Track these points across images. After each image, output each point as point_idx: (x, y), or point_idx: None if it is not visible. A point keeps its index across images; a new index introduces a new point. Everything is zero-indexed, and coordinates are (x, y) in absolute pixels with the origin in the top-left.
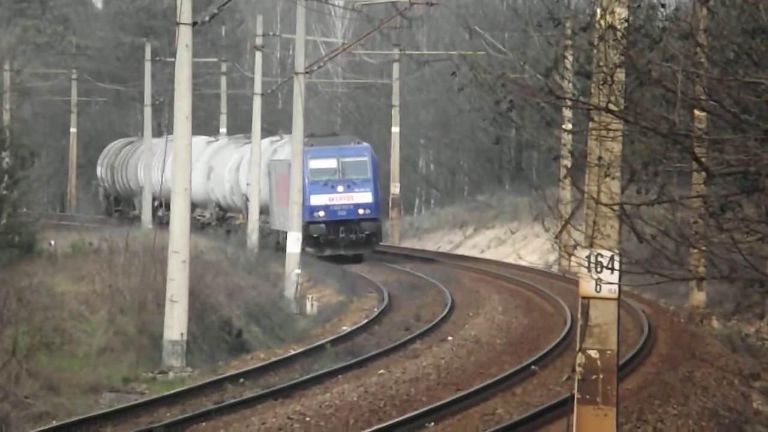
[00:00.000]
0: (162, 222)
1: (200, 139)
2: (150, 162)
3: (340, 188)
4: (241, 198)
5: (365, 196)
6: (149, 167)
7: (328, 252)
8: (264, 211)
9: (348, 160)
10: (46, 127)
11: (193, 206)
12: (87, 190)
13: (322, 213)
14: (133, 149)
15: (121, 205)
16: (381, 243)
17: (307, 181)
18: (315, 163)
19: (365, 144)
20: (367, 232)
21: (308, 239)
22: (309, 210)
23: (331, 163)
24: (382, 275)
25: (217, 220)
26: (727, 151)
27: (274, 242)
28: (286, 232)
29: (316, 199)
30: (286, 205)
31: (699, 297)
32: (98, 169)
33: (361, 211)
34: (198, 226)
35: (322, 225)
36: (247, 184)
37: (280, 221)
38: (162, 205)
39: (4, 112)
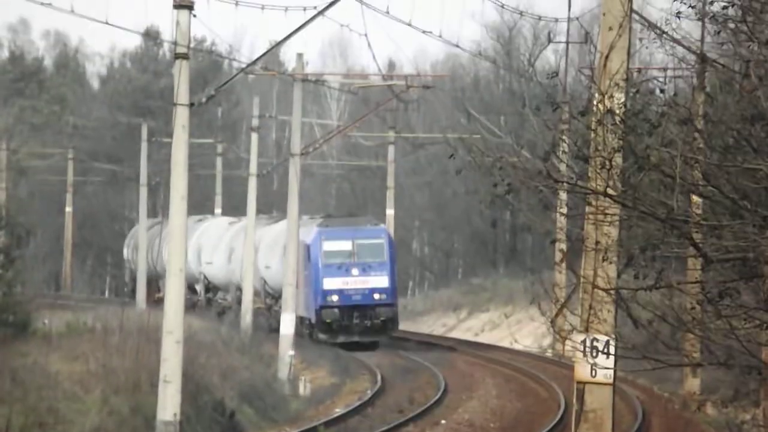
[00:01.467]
0: (187, 305)
1: (222, 220)
2: (143, 243)
3: (354, 271)
4: (260, 281)
5: (381, 281)
6: (142, 248)
7: (341, 339)
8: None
9: (363, 242)
10: (42, 206)
11: (216, 289)
12: (82, 269)
13: (335, 297)
14: (160, 230)
15: (148, 287)
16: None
17: (320, 264)
18: (329, 245)
19: (382, 226)
20: (382, 318)
21: (321, 324)
22: (322, 294)
23: (345, 245)
24: (375, 357)
25: (238, 303)
26: (725, 237)
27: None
28: (302, 317)
29: (330, 283)
30: (301, 288)
31: (693, 383)
32: (125, 250)
33: (376, 296)
34: (219, 309)
35: (336, 310)
36: (266, 267)
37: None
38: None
39: (0, 191)
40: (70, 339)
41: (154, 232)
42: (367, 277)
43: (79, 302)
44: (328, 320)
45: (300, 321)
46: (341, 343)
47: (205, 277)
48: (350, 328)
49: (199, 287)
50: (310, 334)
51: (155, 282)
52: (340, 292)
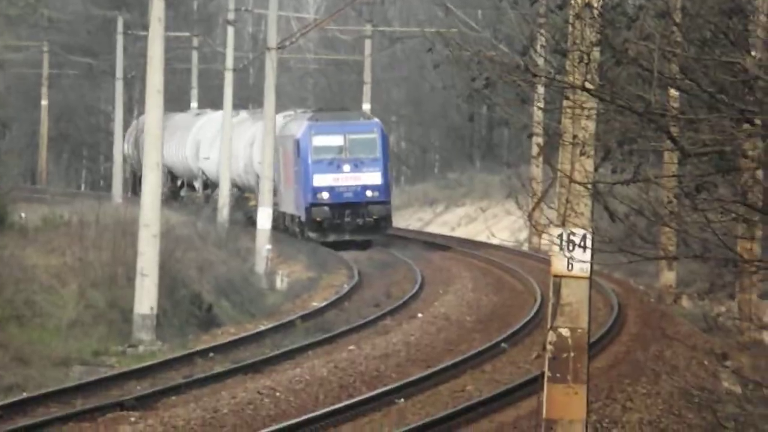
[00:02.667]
0: (185, 204)
1: (220, 114)
2: (119, 136)
3: (346, 168)
4: (255, 177)
5: (374, 177)
6: (117, 141)
7: (332, 238)
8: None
9: (355, 137)
10: (18, 100)
11: (214, 186)
12: (58, 163)
13: (326, 195)
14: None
15: None
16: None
17: (309, 160)
18: (319, 140)
19: (375, 120)
20: (375, 217)
21: (311, 223)
22: (312, 191)
23: (336, 140)
24: (352, 252)
25: (235, 200)
26: (702, 130)
27: (282, 225)
28: (293, 215)
29: (320, 180)
30: (291, 185)
31: (669, 276)
32: (124, 145)
33: (369, 194)
34: (216, 207)
35: (326, 208)
36: (260, 163)
37: (286, 203)
38: (184, 184)
39: None
40: (47, 233)
41: None
42: (359, 174)
43: (55, 196)
44: (318, 218)
45: (291, 219)
46: (332, 242)
47: (203, 172)
48: (341, 226)
49: (197, 183)
50: (300, 233)
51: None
52: (330, 189)
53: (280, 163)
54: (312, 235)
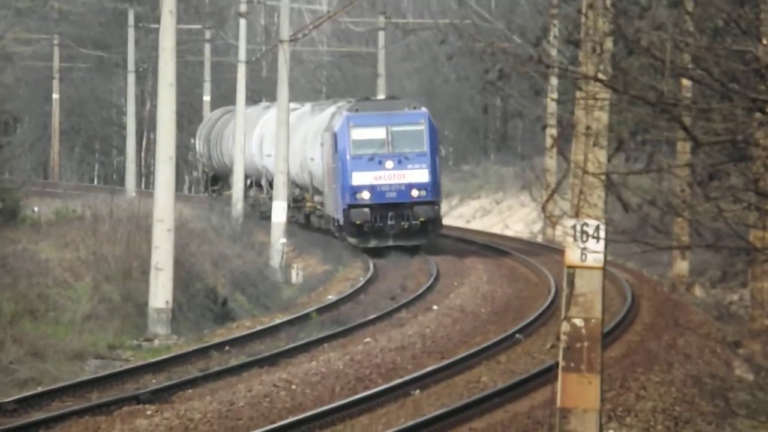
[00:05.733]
0: (252, 205)
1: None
2: (132, 128)
3: (389, 164)
4: (309, 174)
5: (421, 174)
6: (131, 135)
7: (373, 243)
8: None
9: (399, 129)
10: (28, 93)
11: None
12: (70, 157)
13: (366, 195)
14: (229, 120)
15: (218, 183)
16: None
17: (348, 156)
18: (358, 133)
19: (423, 109)
20: (422, 219)
21: (349, 226)
22: (350, 191)
23: (378, 133)
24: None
25: (294, 201)
26: (714, 119)
27: (327, 226)
28: (333, 218)
29: (360, 178)
30: (331, 185)
31: (682, 266)
32: (196, 142)
33: (415, 193)
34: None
35: (367, 210)
36: (311, 159)
37: (328, 204)
38: (253, 184)
39: None
40: (60, 227)
41: (223, 123)
42: (403, 171)
43: (67, 190)
44: (357, 221)
45: (333, 223)
46: (373, 249)
47: (267, 171)
48: (384, 230)
49: (264, 183)
50: (340, 237)
51: (225, 178)
52: (371, 188)
53: (324, 160)
54: (352, 240)
